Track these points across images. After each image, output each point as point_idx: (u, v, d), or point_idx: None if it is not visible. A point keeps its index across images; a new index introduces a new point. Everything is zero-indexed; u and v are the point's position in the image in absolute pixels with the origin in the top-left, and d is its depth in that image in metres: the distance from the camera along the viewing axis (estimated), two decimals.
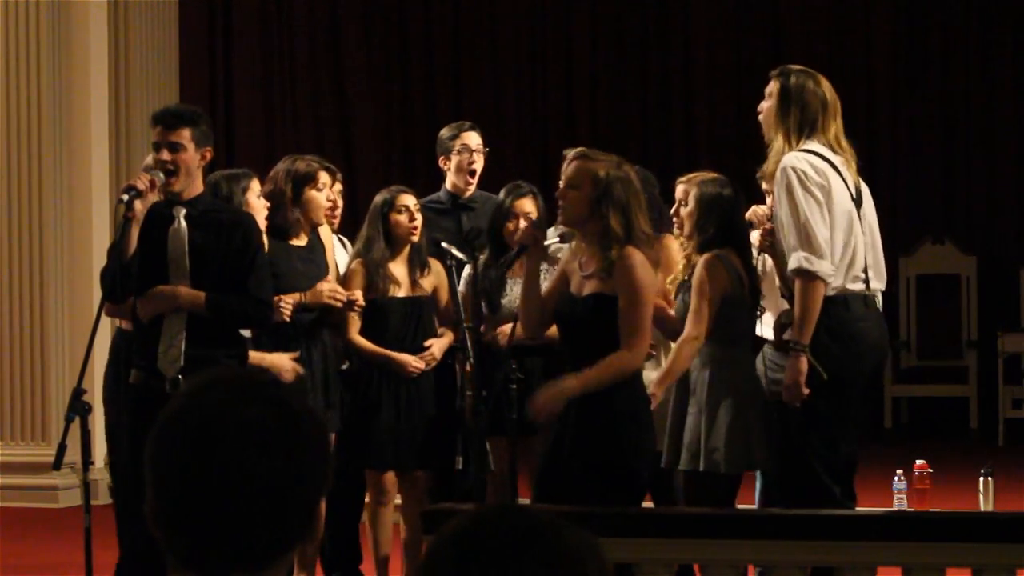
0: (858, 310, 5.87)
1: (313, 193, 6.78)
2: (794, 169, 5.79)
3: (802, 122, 5.89)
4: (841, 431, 5.85)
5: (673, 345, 6.17)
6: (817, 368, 5.77)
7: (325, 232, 6.97)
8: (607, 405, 5.46)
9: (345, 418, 6.81)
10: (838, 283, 5.83)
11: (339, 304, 6.73)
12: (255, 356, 6.34)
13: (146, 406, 5.65)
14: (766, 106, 6.00)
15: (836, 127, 5.95)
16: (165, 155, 5.88)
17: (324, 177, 6.81)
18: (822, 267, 5.76)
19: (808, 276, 5.76)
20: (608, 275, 5.51)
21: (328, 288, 6.73)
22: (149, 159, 6.73)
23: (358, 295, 6.77)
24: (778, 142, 5.92)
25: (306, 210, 6.77)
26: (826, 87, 5.97)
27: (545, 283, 5.97)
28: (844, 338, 5.82)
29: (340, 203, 7.19)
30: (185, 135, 5.87)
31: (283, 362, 6.49)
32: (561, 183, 5.67)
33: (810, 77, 5.96)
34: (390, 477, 6.91)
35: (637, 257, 5.50)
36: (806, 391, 5.77)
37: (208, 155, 5.97)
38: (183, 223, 5.91)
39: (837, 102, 5.98)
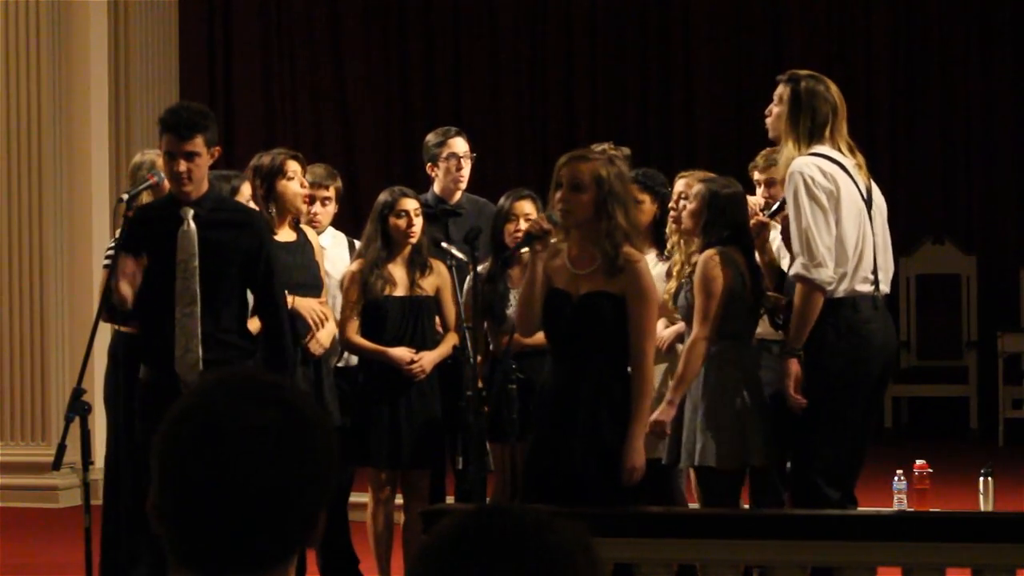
0: (867, 312, 5.87)
1: (284, 183, 6.75)
2: (802, 174, 5.80)
3: (812, 128, 5.90)
4: (843, 433, 5.82)
5: (680, 347, 6.18)
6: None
7: (311, 234, 6.95)
8: (616, 405, 5.47)
9: (348, 416, 6.80)
10: (847, 285, 5.83)
11: (313, 326, 6.72)
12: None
13: (158, 405, 5.62)
14: (776, 110, 5.98)
15: (844, 130, 5.97)
16: (182, 167, 5.82)
17: (293, 166, 6.77)
18: (820, 275, 5.77)
19: (807, 283, 5.78)
20: (611, 274, 5.52)
21: (319, 309, 6.73)
22: (150, 155, 6.71)
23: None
24: (788, 147, 5.93)
25: (282, 202, 6.76)
26: (835, 91, 5.97)
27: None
28: (852, 340, 5.82)
29: (335, 207, 7.15)
30: (199, 143, 5.83)
31: (310, 305, 6.57)
32: (559, 187, 5.61)
33: (820, 82, 5.97)
34: (390, 476, 6.91)
35: (644, 261, 5.59)
36: (799, 398, 5.77)
37: (216, 153, 5.94)
38: (192, 224, 5.90)
39: (844, 106, 5.99)
